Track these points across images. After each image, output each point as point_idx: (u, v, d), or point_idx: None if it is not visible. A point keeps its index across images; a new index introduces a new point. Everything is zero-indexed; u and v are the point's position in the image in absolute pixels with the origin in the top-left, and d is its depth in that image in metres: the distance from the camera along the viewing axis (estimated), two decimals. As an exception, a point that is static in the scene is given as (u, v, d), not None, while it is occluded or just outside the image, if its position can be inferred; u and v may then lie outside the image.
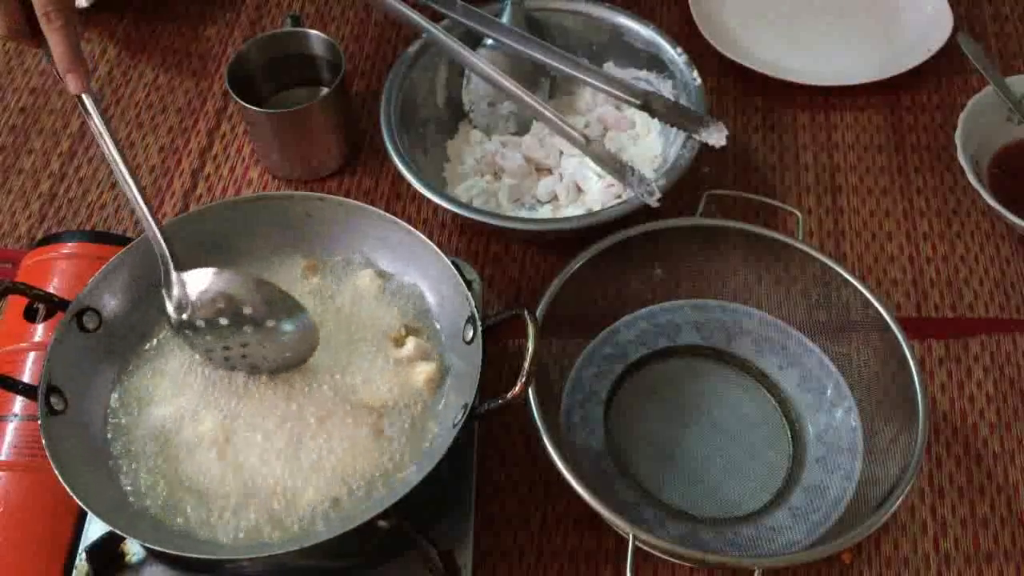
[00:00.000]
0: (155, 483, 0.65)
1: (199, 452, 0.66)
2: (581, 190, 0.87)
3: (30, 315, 0.76)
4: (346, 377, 0.69)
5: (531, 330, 0.64)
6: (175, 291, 0.66)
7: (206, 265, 0.70)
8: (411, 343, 0.70)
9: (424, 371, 0.69)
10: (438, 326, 0.72)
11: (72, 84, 0.65)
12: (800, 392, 0.77)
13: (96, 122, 0.66)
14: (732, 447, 0.75)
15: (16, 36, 0.66)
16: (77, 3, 1.04)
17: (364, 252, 0.75)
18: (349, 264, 0.75)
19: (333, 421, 0.66)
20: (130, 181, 0.66)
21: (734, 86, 0.99)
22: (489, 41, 0.91)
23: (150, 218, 0.67)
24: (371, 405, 0.67)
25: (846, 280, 0.75)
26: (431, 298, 0.73)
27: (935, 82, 0.98)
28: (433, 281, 0.73)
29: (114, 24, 1.06)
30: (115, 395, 0.69)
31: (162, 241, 0.67)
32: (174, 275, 0.66)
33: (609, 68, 0.94)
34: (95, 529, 0.67)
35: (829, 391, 0.76)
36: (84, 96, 0.66)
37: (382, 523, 0.60)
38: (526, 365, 0.62)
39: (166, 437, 0.67)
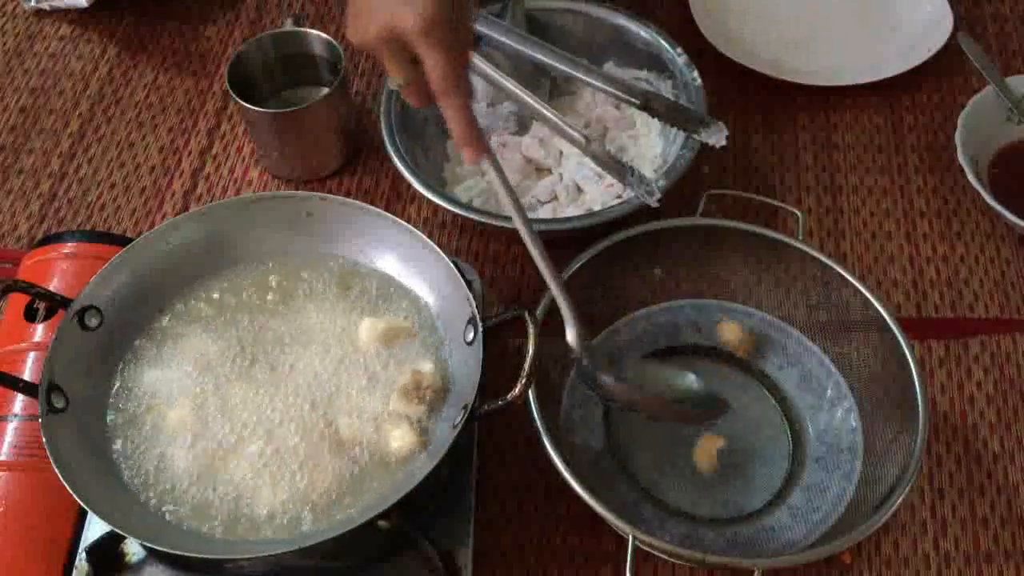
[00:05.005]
0: (156, 482, 0.65)
1: (200, 451, 0.66)
2: (581, 190, 0.87)
3: (30, 315, 0.76)
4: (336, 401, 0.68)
5: (531, 331, 0.64)
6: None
7: (208, 263, 0.72)
8: (403, 405, 0.67)
9: (401, 441, 0.66)
10: (439, 328, 0.72)
11: (466, 157, 0.65)
12: (800, 392, 0.77)
13: (495, 176, 0.67)
14: (732, 447, 0.75)
15: (425, 104, 0.66)
16: (76, 4, 1.04)
17: (367, 253, 0.75)
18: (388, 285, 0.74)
19: (331, 429, 0.67)
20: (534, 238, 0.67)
21: (734, 86, 0.99)
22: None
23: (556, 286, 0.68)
24: (343, 438, 0.67)
25: (846, 280, 0.75)
26: (431, 299, 0.73)
27: (935, 82, 0.98)
28: (434, 281, 0.73)
29: (114, 24, 1.06)
30: (116, 394, 0.69)
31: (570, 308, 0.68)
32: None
33: (609, 68, 0.94)
34: (95, 529, 0.67)
35: (829, 391, 0.76)
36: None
37: (382, 523, 0.60)
38: (526, 366, 0.62)
39: (167, 436, 0.67)
